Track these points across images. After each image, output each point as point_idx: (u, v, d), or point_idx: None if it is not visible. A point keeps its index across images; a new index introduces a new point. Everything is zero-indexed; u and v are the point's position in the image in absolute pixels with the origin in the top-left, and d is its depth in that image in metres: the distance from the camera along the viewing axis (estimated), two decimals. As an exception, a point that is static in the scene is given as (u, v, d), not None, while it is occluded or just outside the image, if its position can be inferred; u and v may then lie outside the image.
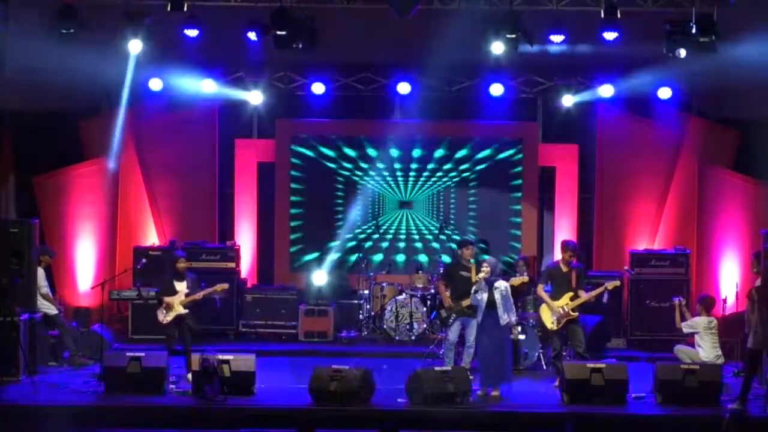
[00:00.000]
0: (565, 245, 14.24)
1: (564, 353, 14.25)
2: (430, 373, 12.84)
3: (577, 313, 13.90)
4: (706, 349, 13.80)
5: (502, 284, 13.38)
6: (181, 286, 14.21)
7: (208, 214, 18.36)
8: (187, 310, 14.16)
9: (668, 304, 15.73)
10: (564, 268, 14.04)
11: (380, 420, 12.23)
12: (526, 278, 14.40)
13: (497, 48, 15.60)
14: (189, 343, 14.10)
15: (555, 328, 13.94)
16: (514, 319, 13.60)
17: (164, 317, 14.13)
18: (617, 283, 14.30)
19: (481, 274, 13.37)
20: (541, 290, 14.12)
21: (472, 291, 13.50)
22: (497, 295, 13.26)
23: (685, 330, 14.11)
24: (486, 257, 14.01)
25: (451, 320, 14.13)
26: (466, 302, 13.93)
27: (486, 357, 13.31)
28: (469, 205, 18.59)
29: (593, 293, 13.95)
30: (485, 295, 13.31)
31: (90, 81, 17.37)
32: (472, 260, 14.26)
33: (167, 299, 14.14)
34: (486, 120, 18.31)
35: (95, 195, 17.80)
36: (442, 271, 15.46)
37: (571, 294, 13.89)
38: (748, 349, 12.87)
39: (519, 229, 18.49)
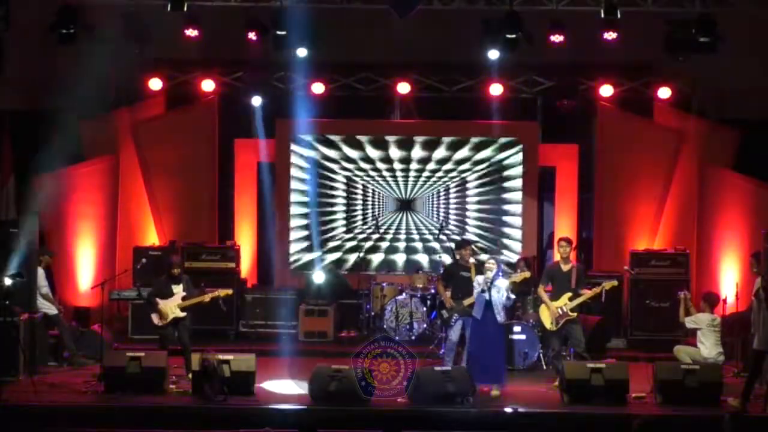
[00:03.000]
0: (558, 240, 14.30)
1: (564, 353, 14.25)
2: (430, 373, 12.84)
3: (575, 314, 13.90)
4: (708, 347, 13.79)
5: (503, 282, 13.39)
6: (178, 289, 14.16)
7: (208, 214, 18.36)
8: (185, 314, 14.14)
9: (668, 304, 15.78)
10: (563, 267, 14.04)
11: (380, 420, 12.23)
12: (527, 274, 14.40)
13: (494, 54, 15.73)
14: (188, 343, 14.10)
15: (554, 328, 13.94)
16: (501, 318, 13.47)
17: (159, 319, 14.10)
18: (614, 283, 14.32)
19: (489, 273, 13.32)
20: (541, 290, 14.12)
21: (479, 290, 13.35)
22: (495, 294, 13.27)
23: (688, 325, 14.08)
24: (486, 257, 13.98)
25: (453, 321, 14.13)
26: (467, 301, 13.94)
27: (478, 354, 13.29)
28: (469, 205, 18.60)
29: (590, 293, 13.96)
30: (486, 293, 13.28)
31: (90, 81, 17.40)
32: (471, 260, 14.28)
33: (162, 305, 14.09)
34: (486, 120, 18.31)
35: (95, 195, 17.82)
36: (441, 272, 15.44)
37: (570, 294, 13.89)
38: (753, 350, 12.86)
39: (519, 229, 18.49)
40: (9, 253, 14.04)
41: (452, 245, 15.68)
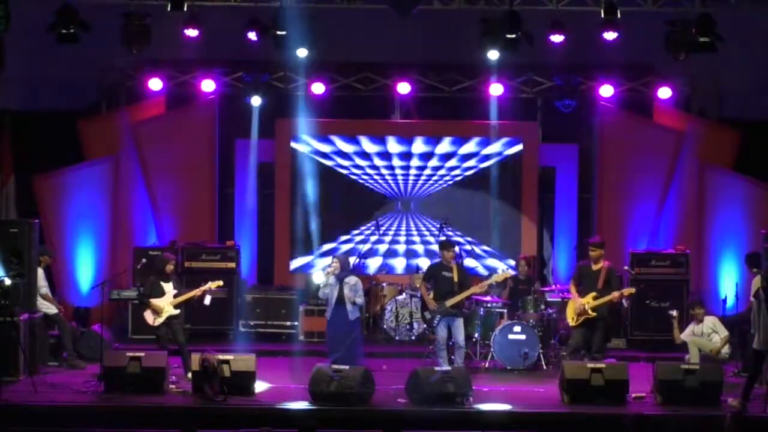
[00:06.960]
0: (590, 243, 14.60)
1: (582, 352, 14.30)
2: (430, 373, 12.85)
3: (596, 314, 14.03)
4: (721, 333, 14.40)
5: (351, 279, 13.73)
6: (168, 287, 14.20)
7: (208, 214, 18.35)
8: (178, 311, 14.16)
9: (668, 304, 15.86)
10: (594, 267, 14.30)
11: (380, 420, 12.23)
12: (509, 273, 14.47)
13: (494, 54, 15.74)
14: (184, 342, 14.11)
15: (574, 324, 14.20)
16: (360, 301, 13.85)
17: (154, 319, 14.11)
18: (632, 290, 14.68)
19: (330, 269, 13.62)
20: (571, 286, 14.47)
21: (321, 285, 13.95)
22: (347, 290, 13.60)
23: (690, 339, 14.48)
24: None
25: (435, 322, 14.13)
26: (449, 302, 13.99)
27: (336, 351, 13.58)
28: (469, 205, 18.58)
29: (609, 297, 14.08)
30: (335, 291, 13.69)
31: (90, 81, 17.41)
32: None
33: (155, 301, 14.10)
34: (486, 120, 18.29)
35: (95, 195, 17.80)
36: (423, 273, 15.31)
37: (594, 294, 14.06)
38: (753, 350, 12.87)
39: (519, 229, 18.47)
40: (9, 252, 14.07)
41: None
